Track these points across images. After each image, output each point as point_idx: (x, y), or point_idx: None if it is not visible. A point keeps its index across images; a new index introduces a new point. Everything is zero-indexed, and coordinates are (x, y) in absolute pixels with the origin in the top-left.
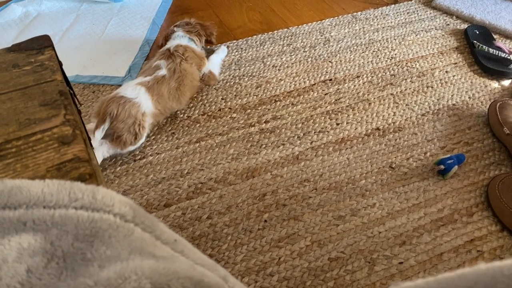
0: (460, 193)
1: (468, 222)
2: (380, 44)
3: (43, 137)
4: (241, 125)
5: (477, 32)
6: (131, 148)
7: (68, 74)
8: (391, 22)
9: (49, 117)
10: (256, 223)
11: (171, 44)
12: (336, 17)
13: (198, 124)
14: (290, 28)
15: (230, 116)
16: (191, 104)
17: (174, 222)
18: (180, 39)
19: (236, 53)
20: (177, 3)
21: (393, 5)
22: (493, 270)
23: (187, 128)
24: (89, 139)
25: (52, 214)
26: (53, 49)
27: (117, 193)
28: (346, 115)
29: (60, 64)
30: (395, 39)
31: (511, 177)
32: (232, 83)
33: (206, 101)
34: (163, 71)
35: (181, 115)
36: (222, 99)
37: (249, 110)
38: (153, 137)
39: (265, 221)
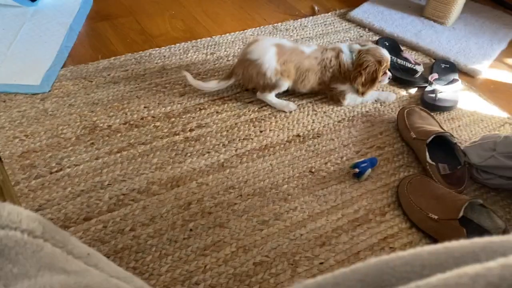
0: (373, 194)
1: (381, 221)
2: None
3: None
4: (165, 133)
5: (387, 44)
6: None
7: None
8: (310, 33)
9: None
10: (181, 232)
11: None
12: (258, 28)
13: (119, 134)
14: (213, 37)
15: (153, 124)
16: (111, 113)
17: (95, 236)
18: None
19: (159, 61)
20: (96, 9)
21: (311, 17)
22: (380, 263)
23: (107, 138)
24: None
25: None
26: None
27: (26, 209)
28: (269, 123)
29: None
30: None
31: (418, 178)
32: (154, 91)
33: (127, 109)
34: None
35: (101, 125)
36: (144, 107)
37: (173, 119)
38: (71, 147)
39: (191, 230)
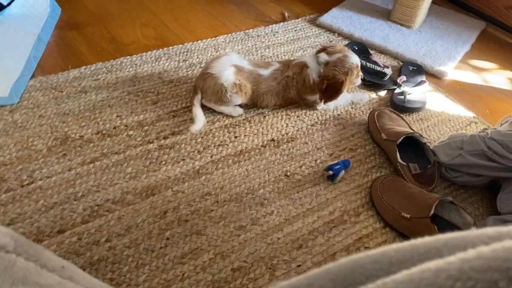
0: (347, 195)
1: (356, 221)
2: (271, 60)
3: None
4: (139, 142)
5: (356, 48)
6: None
7: None
8: (281, 39)
9: None
10: (158, 241)
11: None
12: (230, 34)
13: (92, 144)
14: (185, 44)
15: (126, 133)
16: (83, 123)
17: (69, 248)
18: None
19: (131, 69)
20: (65, 18)
21: (282, 23)
22: (350, 262)
23: (79, 148)
24: None
25: None
26: None
27: None
28: (244, 128)
29: None
30: (284, 55)
31: (390, 178)
32: (127, 99)
33: (99, 119)
34: None
35: (73, 135)
36: (117, 116)
37: (147, 127)
38: (42, 159)
39: (167, 238)
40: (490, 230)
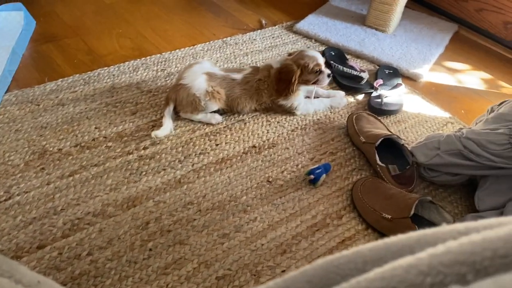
0: (329, 198)
1: (338, 224)
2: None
3: None
4: (118, 153)
5: (333, 53)
6: None
7: None
8: (259, 46)
9: None
10: (140, 253)
11: None
12: (208, 43)
13: (71, 157)
14: (163, 53)
15: (105, 145)
16: (61, 136)
17: (50, 264)
18: None
19: (109, 80)
20: (40, 31)
21: (259, 31)
22: (326, 264)
23: (58, 161)
24: None
25: None
26: None
27: None
28: (224, 136)
29: None
30: (263, 62)
31: (370, 180)
32: (105, 111)
33: (78, 131)
34: None
35: (51, 149)
36: (95, 128)
37: (126, 138)
38: (19, 174)
39: (150, 249)
40: (459, 226)
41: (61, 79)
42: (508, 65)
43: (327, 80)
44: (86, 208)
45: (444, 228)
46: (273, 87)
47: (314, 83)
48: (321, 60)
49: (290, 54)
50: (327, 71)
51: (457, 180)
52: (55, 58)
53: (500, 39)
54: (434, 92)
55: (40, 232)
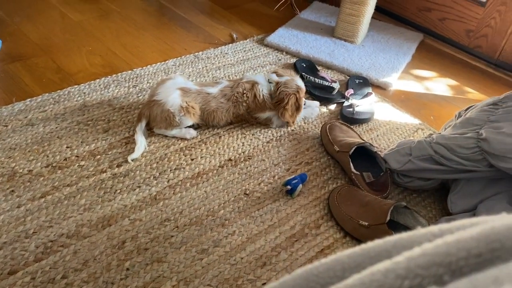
0: (307, 208)
1: (317, 234)
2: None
3: None
4: (91, 172)
5: (304, 65)
6: None
7: None
8: (231, 60)
9: None
10: (117, 273)
11: None
12: (179, 57)
13: (42, 178)
14: (135, 69)
15: (78, 164)
16: (32, 157)
17: None
18: None
19: (79, 98)
20: (7, 50)
21: (231, 44)
22: (306, 273)
23: (28, 183)
24: None
25: None
26: None
27: None
28: (200, 150)
29: None
30: (236, 75)
31: (345, 188)
32: (76, 129)
33: (49, 151)
34: None
35: (21, 170)
36: (67, 147)
37: (99, 156)
38: None
39: (127, 269)
40: (434, 228)
41: (29, 99)
42: (472, 71)
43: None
44: (60, 230)
45: (419, 231)
46: (254, 101)
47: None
48: (303, 93)
49: (275, 71)
50: (304, 101)
51: (430, 185)
52: (23, 77)
53: (463, 47)
54: (404, 100)
55: (11, 257)
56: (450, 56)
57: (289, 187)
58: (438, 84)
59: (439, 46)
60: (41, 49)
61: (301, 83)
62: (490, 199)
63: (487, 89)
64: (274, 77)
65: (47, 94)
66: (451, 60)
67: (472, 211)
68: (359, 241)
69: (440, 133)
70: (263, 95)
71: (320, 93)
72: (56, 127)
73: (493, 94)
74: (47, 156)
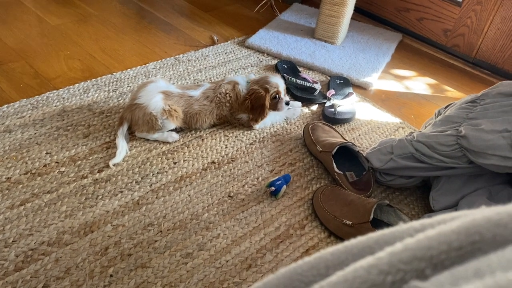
0: (291, 209)
1: (301, 234)
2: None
3: None
4: (72, 178)
5: (285, 66)
6: None
7: None
8: (212, 62)
9: None
10: (101, 280)
11: None
12: (160, 60)
13: (21, 185)
14: (114, 73)
15: (58, 170)
16: (10, 164)
17: None
18: None
19: (58, 103)
20: None
21: (211, 47)
22: (289, 272)
23: (7, 191)
24: None
25: None
26: None
27: None
28: (182, 153)
29: None
30: (217, 77)
31: (329, 188)
32: (56, 135)
33: (27, 158)
34: None
35: None
36: (46, 153)
37: (79, 162)
38: None
39: (111, 275)
40: (415, 223)
41: (6, 105)
42: (450, 70)
43: (285, 108)
44: (40, 238)
45: (401, 227)
46: (236, 101)
47: (273, 109)
48: (282, 87)
49: (255, 81)
50: (286, 98)
51: (412, 183)
52: (0, 83)
53: (441, 46)
54: (384, 99)
55: None
56: (428, 55)
57: (273, 188)
58: (417, 83)
59: (418, 46)
60: (18, 54)
61: (275, 80)
62: (471, 195)
63: (465, 87)
64: (252, 76)
65: (24, 99)
66: (429, 59)
67: (454, 208)
68: (343, 240)
69: (420, 131)
70: (243, 96)
71: (302, 94)
72: (35, 133)
73: (471, 92)
74: (26, 163)
